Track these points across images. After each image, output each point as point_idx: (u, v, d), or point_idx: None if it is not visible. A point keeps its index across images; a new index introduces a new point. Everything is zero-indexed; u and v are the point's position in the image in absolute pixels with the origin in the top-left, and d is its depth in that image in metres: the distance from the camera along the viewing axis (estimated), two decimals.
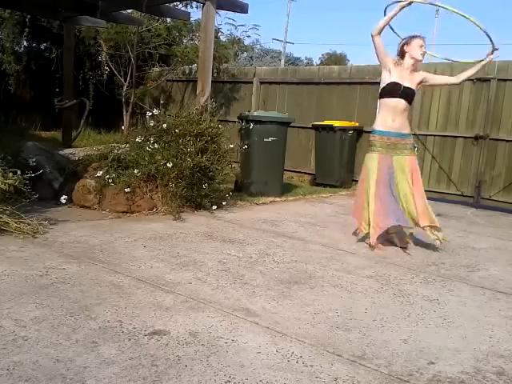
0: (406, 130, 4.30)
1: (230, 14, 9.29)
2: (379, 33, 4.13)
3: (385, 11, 4.22)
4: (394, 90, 4.18)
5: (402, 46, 4.26)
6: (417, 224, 4.28)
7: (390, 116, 4.22)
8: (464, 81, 4.54)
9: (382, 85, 4.27)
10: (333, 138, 8.08)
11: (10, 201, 4.07)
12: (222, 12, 9.32)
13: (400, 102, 4.19)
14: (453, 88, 7.59)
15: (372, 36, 4.14)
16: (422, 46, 4.20)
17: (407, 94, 4.21)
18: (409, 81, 4.22)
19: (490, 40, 4.19)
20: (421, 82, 4.32)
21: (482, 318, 2.89)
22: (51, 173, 5.28)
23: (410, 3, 4.05)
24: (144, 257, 3.54)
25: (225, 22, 12.59)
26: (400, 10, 4.08)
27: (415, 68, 4.27)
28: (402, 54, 4.26)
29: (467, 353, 2.40)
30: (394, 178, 4.22)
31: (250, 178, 6.57)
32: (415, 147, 4.40)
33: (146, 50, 10.44)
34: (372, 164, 4.26)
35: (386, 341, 2.46)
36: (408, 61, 4.22)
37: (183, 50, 10.02)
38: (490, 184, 7.42)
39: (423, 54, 4.23)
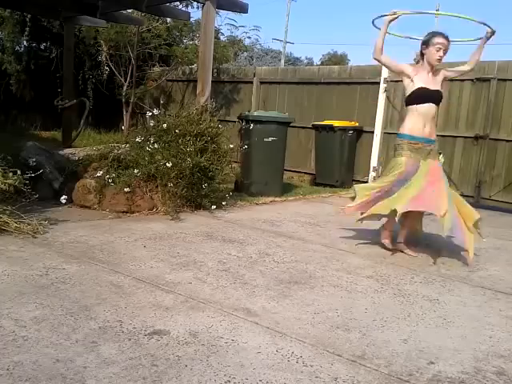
0: (434, 136, 4.17)
1: (231, 14, 9.32)
2: (380, 53, 4.09)
3: (373, 23, 4.22)
4: (424, 96, 4.06)
5: (421, 45, 4.10)
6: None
7: (421, 122, 4.08)
8: (474, 66, 4.31)
9: (408, 92, 4.12)
10: (333, 138, 8.08)
11: (10, 201, 4.07)
12: (222, 13, 9.36)
13: (431, 107, 4.09)
14: (453, 88, 7.59)
15: (375, 59, 4.13)
16: (439, 50, 4.00)
17: (437, 98, 4.11)
18: (433, 83, 4.10)
19: (487, 26, 4.08)
20: (443, 80, 4.19)
21: (482, 317, 2.89)
22: (51, 173, 5.28)
23: (396, 16, 4.00)
24: (144, 257, 3.54)
25: (225, 22, 12.60)
26: (388, 24, 4.04)
27: (434, 69, 4.13)
28: (421, 55, 4.13)
29: (467, 353, 2.40)
30: (406, 181, 4.06)
31: (250, 178, 6.57)
32: (440, 153, 4.29)
33: (146, 50, 10.44)
34: (396, 168, 4.12)
35: (386, 341, 2.46)
36: (426, 64, 4.10)
37: (183, 51, 10.03)
38: (490, 184, 7.42)
39: (440, 59, 4.04)
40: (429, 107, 4.08)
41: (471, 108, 7.51)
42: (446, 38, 4.03)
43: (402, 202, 3.96)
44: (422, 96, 4.06)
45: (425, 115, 4.08)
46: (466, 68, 4.30)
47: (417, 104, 4.08)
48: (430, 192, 3.96)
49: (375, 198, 4.20)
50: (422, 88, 4.05)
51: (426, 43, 4.08)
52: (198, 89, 6.13)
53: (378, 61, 4.18)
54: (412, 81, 4.09)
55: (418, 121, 4.09)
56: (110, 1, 7.63)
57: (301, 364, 2.15)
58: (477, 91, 7.44)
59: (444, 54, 4.04)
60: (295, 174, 9.04)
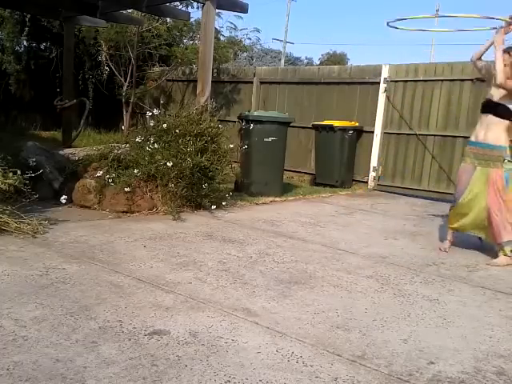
0: (499, 143, 4.18)
1: (232, 18, 9.30)
2: (479, 58, 4.28)
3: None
4: (485, 107, 4.28)
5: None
6: (493, 239, 4.21)
7: (482, 129, 4.26)
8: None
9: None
10: (333, 138, 8.07)
11: (10, 201, 4.07)
12: (223, 16, 9.35)
13: (492, 118, 4.20)
14: (453, 88, 7.59)
15: (472, 61, 4.34)
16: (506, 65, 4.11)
17: (496, 110, 4.20)
18: (501, 95, 4.17)
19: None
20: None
21: (482, 317, 2.89)
22: (51, 173, 5.28)
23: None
24: (144, 257, 3.54)
25: (226, 25, 12.58)
26: (499, 41, 4.12)
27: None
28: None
29: (467, 353, 2.40)
30: (466, 188, 4.29)
31: (250, 177, 6.57)
32: (505, 159, 4.20)
33: (146, 50, 10.44)
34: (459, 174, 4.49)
35: (386, 341, 2.46)
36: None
37: (183, 51, 10.02)
38: None
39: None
40: (488, 117, 4.23)
41: (471, 108, 7.49)
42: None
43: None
44: (484, 106, 4.30)
45: (486, 124, 4.24)
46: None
47: (481, 113, 4.33)
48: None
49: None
50: (486, 99, 4.30)
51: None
52: (198, 89, 6.13)
53: (474, 64, 4.37)
54: (490, 89, 4.29)
55: (481, 128, 4.30)
56: (110, 1, 7.62)
57: (301, 364, 2.15)
58: (477, 91, 7.41)
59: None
60: (295, 174, 9.03)
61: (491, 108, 4.21)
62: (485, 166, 4.20)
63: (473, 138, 4.33)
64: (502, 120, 4.17)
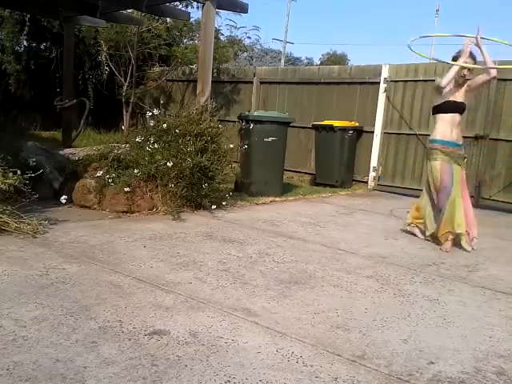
0: (461, 141, 4.50)
1: (231, 15, 9.30)
2: (447, 85, 4.41)
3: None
4: (449, 107, 4.45)
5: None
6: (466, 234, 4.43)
7: (448, 128, 4.45)
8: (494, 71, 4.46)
9: (437, 102, 4.53)
10: (333, 138, 8.07)
11: (10, 201, 4.07)
12: (222, 14, 9.34)
13: (456, 116, 4.46)
14: None
15: (442, 86, 4.39)
16: (463, 69, 4.35)
17: (459, 108, 4.45)
18: (459, 95, 4.45)
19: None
20: (467, 91, 4.46)
21: (482, 317, 2.89)
22: (51, 173, 5.28)
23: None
24: (144, 257, 3.54)
25: (225, 23, 12.59)
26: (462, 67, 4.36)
27: (466, 81, 4.43)
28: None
29: (467, 353, 2.40)
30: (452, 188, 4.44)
31: (250, 177, 6.57)
32: (465, 158, 4.57)
33: (146, 50, 10.44)
34: (436, 172, 4.52)
35: (386, 341, 2.46)
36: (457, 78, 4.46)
37: (183, 51, 10.02)
38: (489, 184, 7.40)
39: (464, 77, 4.39)
40: (453, 116, 4.45)
41: (471, 108, 7.48)
42: (472, 57, 4.36)
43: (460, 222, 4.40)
44: (448, 107, 4.45)
45: (451, 123, 4.45)
46: (493, 74, 4.45)
47: (443, 113, 4.48)
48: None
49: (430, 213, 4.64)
50: (447, 101, 4.45)
51: (455, 61, 4.39)
52: (198, 89, 6.13)
53: (442, 88, 4.43)
54: (441, 95, 4.46)
55: (447, 127, 4.47)
56: (110, 1, 7.62)
57: (301, 364, 2.15)
58: (476, 91, 7.42)
59: (469, 71, 4.36)
60: (295, 173, 9.04)
61: (457, 108, 4.43)
62: (457, 164, 4.46)
63: (439, 137, 4.47)
64: (460, 118, 4.48)
